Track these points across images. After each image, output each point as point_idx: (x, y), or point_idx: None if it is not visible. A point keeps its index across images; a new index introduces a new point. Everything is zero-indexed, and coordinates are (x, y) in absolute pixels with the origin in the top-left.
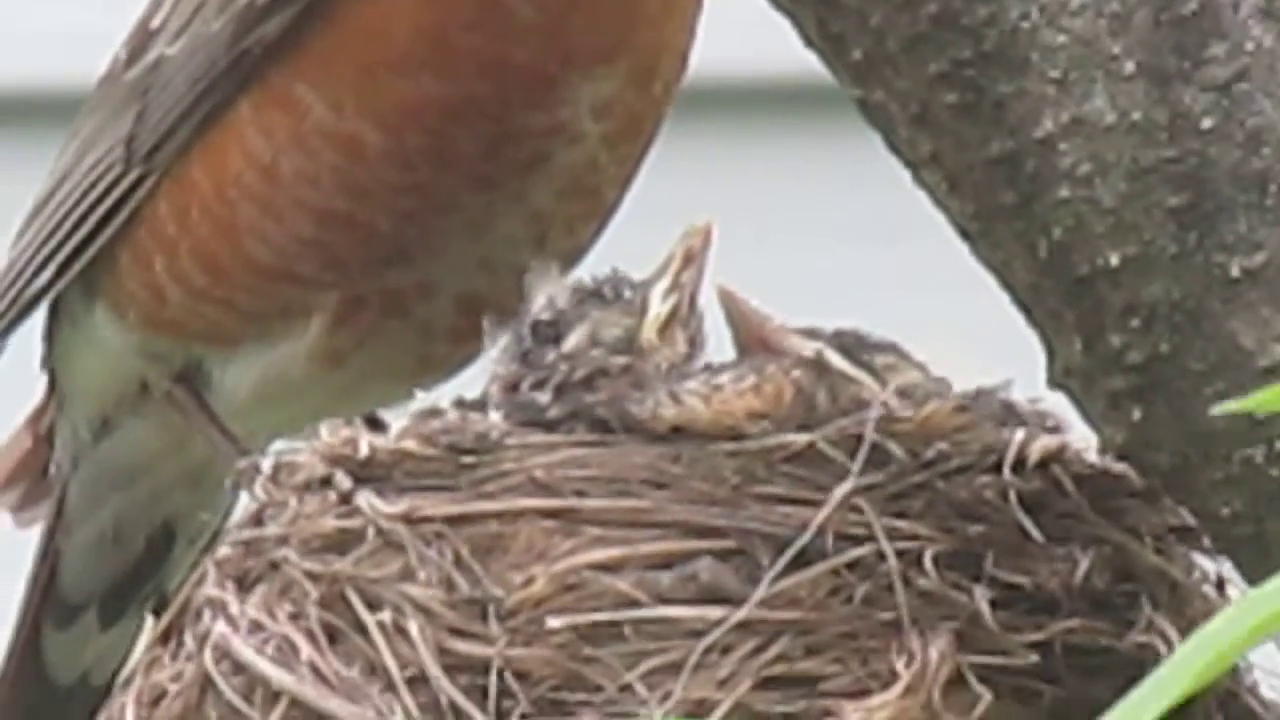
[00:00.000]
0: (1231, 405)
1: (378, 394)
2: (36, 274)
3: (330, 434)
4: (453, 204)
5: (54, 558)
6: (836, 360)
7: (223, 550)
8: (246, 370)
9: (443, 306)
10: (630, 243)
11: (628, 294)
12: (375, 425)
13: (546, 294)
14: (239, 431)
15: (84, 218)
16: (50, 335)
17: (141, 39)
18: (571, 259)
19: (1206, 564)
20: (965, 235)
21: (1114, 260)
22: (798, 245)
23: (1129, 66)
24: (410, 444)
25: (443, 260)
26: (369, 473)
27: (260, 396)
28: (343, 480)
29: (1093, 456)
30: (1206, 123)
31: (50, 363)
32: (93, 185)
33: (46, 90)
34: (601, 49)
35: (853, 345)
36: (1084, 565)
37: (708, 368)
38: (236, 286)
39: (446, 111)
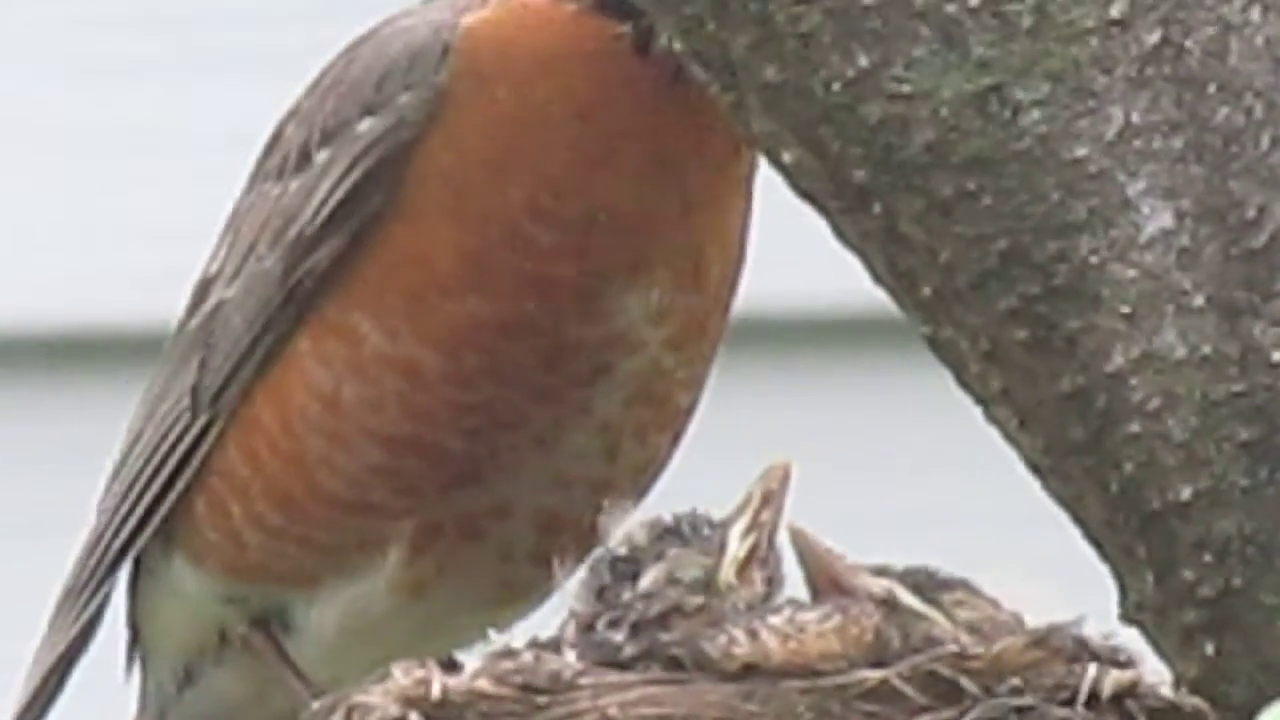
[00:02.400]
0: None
1: (463, 625)
2: (117, 532)
3: (404, 675)
4: (518, 420)
5: None
6: (907, 598)
7: None
8: (329, 609)
9: (520, 527)
10: (703, 475)
11: (706, 532)
12: (450, 666)
13: (624, 531)
14: (327, 675)
15: (157, 471)
16: (132, 590)
17: (201, 289)
18: (648, 472)
19: None
20: (1036, 470)
21: (1185, 495)
22: (870, 478)
23: (1199, 300)
24: (484, 684)
25: (515, 478)
26: (443, 713)
27: (345, 634)
28: None
29: (1167, 691)
30: (1277, 356)
31: (133, 618)
32: (163, 438)
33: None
34: (633, 260)
35: (923, 583)
36: None
37: (792, 604)
38: (313, 522)
39: (500, 330)
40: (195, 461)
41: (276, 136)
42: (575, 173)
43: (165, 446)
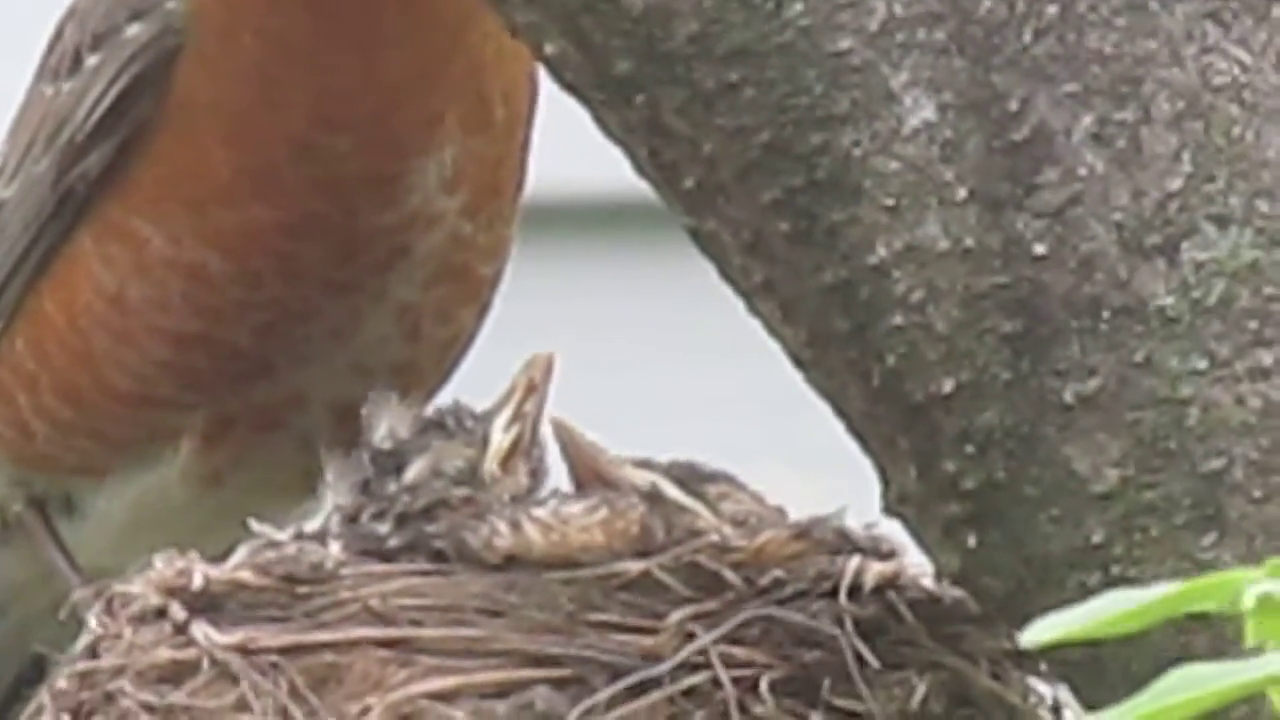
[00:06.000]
0: None
1: (263, 514)
2: None
3: (164, 565)
4: (311, 313)
5: None
6: (671, 491)
7: (59, 682)
8: (120, 496)
9: (318, 417)
10: (465, 365)
11: (469, 425)
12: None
13: (387, 424)
14: (116, 561)
15: None
16: None
17: None
18: (453, 349)
19: (1043, 688)
20: (799, 363)
21: (947, 387)
22: (634, 369)
23: (961, 193)
24: (245, 574)
25: (311, 369)
26: (204, 603)
27: (136, 522)
28: (177, 611)
29: (928, 582)
30: (1039, 249)
31: None
32: None
33: None
34: (426, 121)
35: (687, 476)
36: (920, 691)
37: (557, 496)
38: (102, 416)
39: (287, 233)
40: None
41: (57, 35)
42: (358, 74)
43: None
